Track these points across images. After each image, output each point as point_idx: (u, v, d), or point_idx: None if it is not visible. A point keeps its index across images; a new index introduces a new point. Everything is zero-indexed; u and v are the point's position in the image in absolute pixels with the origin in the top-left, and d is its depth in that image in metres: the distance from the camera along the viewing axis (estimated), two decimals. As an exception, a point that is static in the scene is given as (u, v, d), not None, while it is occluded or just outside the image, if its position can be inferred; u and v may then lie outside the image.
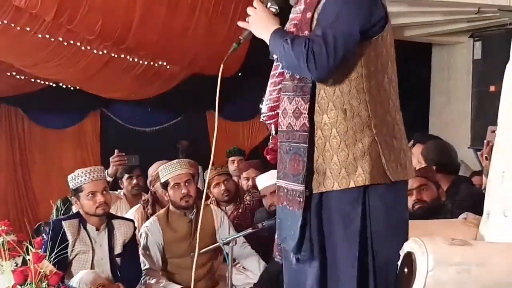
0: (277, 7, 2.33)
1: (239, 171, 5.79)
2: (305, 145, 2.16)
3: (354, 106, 2.17)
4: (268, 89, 2.35)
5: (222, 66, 2.35)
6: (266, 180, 4.43)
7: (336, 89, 2.17)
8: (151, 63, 7.46)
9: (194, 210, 4.18)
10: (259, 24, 2.28)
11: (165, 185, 4.17)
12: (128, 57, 7.08)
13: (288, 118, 2.22)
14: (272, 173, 4.44)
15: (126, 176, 5.20)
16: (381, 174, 2.20)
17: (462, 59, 7.32)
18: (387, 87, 2.24)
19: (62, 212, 4.06)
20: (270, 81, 2.35)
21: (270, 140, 2.39)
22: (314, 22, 2.17)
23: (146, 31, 6.43)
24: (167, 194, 4.18)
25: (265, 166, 4.83)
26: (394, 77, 2.29)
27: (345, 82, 2.16)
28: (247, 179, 5.39)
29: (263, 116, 2.36)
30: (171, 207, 4.20)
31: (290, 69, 2.20)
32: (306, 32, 2.18)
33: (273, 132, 2.34)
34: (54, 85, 8.19)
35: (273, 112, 2.31)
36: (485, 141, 3.71)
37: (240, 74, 8.20)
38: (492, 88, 5.54)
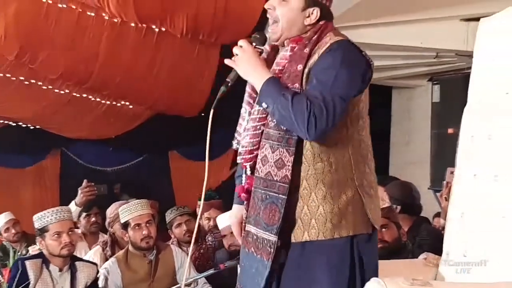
0: (262, 48, 2.29)
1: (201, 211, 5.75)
2: (283, 196, 2.15)
3: (339, 159, 2.20)
4: (248, 132, 2.28)
5: (212, 110, 2.29)
6: (227, 220, 4.41)
7: (322, 143, 2.18)
8: (114, 102, 7.44)
9: (154, 251, 4.13)
10: (248, 65, 2.21)
11: (125, 225, 4.12)
12: (90, 96, 7.05)
13: (268, 167, 2.19)
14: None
15: (84, 214, 5.15)
16: (364, 224, 2.24)
17: (421, 102, 7.48)
18: (366, 140, 2.29)
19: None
20: (251, 124, 2.28)
21: (244, 179, 2.32)
22: (305, 75, 2.16)
23: (110, 71, 6.42)
24: (127, 235, 4.12)
25: (226, 206, 4.81)
26: (368, 128, 2.34)
27: (332, 136, 2.17)
28: (209, 219, 5.36)
29: (241, 158, 2.31)
30: (130, 248, 4.14)
31: (283, 124, 2.15)
32: (297, 85, 2.15)
33: (249, 172, 2.29)
34: (14, 124, 8.09)
35: (251, 155, 2.27)
36: (444, 182, 3.78)
37: (203, 114, 8.22)
38: (450, 131, 5.67)
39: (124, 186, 9.15)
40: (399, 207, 3.99)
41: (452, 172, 3.18)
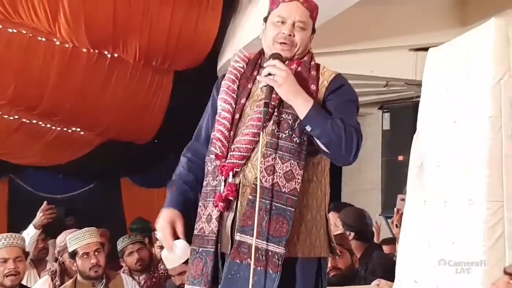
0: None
1: (153, 239, 5.67)
2: (292, 209, 2.16)
3: (322, 183, 2.29)
4: (245, 137, 2.23)
5: (261, 133, 2.18)
6: (172, 260, 4.28)
7: (319, 164, 2.26)
8: (65, 128, 7.32)
9: (104, 280, 4.04)
10: (293, 88, 2.19)
11: (73, 254, 4.02)
12: (40, 122, 6.93)
13: (276, 177, 2.17)
14: (182, 251, 4.30)
15: None
16: (328, 248, 2.30)
17: (372, 129, 7.60)
18: (328, 168, 2.37)
19: None
20: (249, 130, 2.23)
21: (223, 187, 2.24)
22: (319, 95, 2.24)
23: (60, 96, 6.34)
24: (75, 264, 4.03)
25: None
26: None
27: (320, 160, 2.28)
28: (161, 247, 5.28)
29: (231, 162, 2.23)
30: (79, 277, 4.04)
31: (329, 147, 2.17)
32: None
33: (231, 179, 2.22)
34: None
35: (243, 160, 2.22)
36: (395, 209, 3.82)
37: (156, 140, 8.17)
38: (400, 158, 5.75)
39: (74, 214, 8.97)
40: (352, 234, 4.01)
41: (402, 199, 3.22)
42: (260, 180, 2.15)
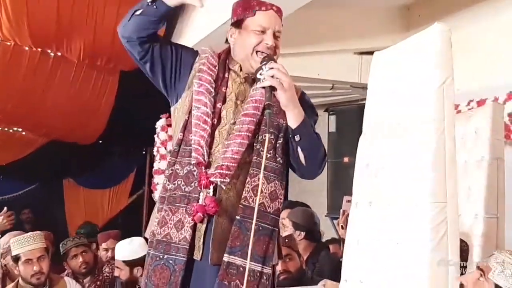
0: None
1: (99, 241, 5.58)
2: (276, 229, 2.20)
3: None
4: (233, 147, 2.20)
5: (267, 136, 2.14)
6: (128, 254, 4.23)
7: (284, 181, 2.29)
8: (6, 129, 7.14)
9: (47, 285, 3.95)
10: (295, 96, 2.24)
11: (16, 259, 3.92)
12: (-20, 122, 6.74)
13: (262, 197, 2.17)
14: (134, 246, 4.25)
15: None
16: (278, 253, 2.34)
17: (318, 131, 7.67)
18: None
19: None
20: (238, 140, 2.21)
21: (202, 199, 2.19)
22: None
23: (2, 96, 6.18)
24: (17, 268, 3.93)
25: (124, 236, 4.70)
26: None
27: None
28: (106, 250, 5.20)
29: (216, 174, 2.18)
30: (20, 281, 3.95)
31: (308, 159, 2.25)
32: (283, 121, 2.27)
33: (211, 192, 2.19)
34: None
35: (230, 172, 2.18)
36: (341, 211, 3.87)
37: (101, 141, 8.05)
38: (346, 159, 5.82)
39: (15, 216, 8.74)
40: (302, 233, 4.03)
41: (348, 201, 3.27)
42: (247, 200, 2.16)
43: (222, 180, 2.18)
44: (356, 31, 5.71)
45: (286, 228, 4.05)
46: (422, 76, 2.36)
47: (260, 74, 2.18)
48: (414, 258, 2.22)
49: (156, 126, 6.01)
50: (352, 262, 2.61)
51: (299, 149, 2.23)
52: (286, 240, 3.64)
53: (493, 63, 4.67)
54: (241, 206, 2.16)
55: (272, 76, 2.16)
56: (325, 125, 7.28)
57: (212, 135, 2.25)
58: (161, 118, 5.99)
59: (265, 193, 2.19)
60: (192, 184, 2.22)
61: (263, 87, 2.18)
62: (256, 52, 2.28)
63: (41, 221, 8.33)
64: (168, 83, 2.36)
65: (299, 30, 5.51)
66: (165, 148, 5.91)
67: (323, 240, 4.85)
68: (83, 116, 7.15)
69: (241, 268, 2.13)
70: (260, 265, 2.16)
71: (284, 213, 4.20)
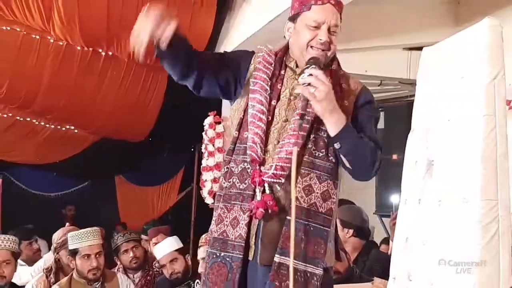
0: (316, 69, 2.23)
1: (149, 237, 5.68)
2: (328, 229, 2.18)
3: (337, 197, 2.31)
4: (285, 148, 2.21)
5: (295, 149, 2.13)
6: (163, 249, 4.37)
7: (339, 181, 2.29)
8: (58, 127, 7.31)
9: (100, 280, 4.04)
10: (331, 105, 2.14)
11: (73, 253, 4.02)
12: (34, 120, 6.92)
13: (314, 197, 2.18)
14: (168, 241, 4.41)
15: (25, 242, 5.05)
16: (335, 254, 2.35)
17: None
18: None
19: None
20: (291, 140, 2.20)
21: (260, 196, 2.19)
22: (355, 113, 2.28)
23: (54, 94, 6.33)
24: (73, 262, 4.02)
25: (174, 232, 4.77)
26: None
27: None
28: (156, 245, 5.28)
29: (271, 173, 2.19)
30: (74, 275, 4.04)
31: (353, 165, 2.22)
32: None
33: (268, 191, 2.19)
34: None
35: (283, 173, 2.19)
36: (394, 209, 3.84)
37: (150, 139, 8.17)
38: (394, 157, 5.76)
39: (70, 211, 8.96)
40: (351, 231, 4.01)
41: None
42: (298, 200, 2.14)
43: (276, 180, 2.19)
44: (404, 27, 5.64)
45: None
46: (472, 71, 2.32)
47: (302, 77, 2.15)
48: (465, 257, 2.19)
49: (204, 124, 6.06)
50: (401, 260, 2.59)
51: (341, 156, 2.21)
52: None
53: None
54: (295, 206, 2.14)
55: (310, 84, 2.12)
56: (374, 121, 7.22)
57: (267, 133, 2.24)
58: (209, 115, 6.04)
59: (317, 193, 2.17)
60: (246, 182, 2.22)
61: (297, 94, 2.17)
62: (311, 47, 2.25)
63: (93, 217, 8.52)
64: (233, 96, 2.39)
65: (346, 26, 5.46)
66: (213, 145, 5.96)
67: (373, 237, 4.83)
68: (133, 114, 7.26)
69: (293, 269, 2.12)
70: (311, 266, 2.14)
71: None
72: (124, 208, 9.25)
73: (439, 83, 2.57)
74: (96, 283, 4.04)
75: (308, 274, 2.13)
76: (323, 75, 2.14)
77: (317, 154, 2.20)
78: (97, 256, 3.98)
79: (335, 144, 2.18)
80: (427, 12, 5.58)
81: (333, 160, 2.22)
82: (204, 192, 5.98)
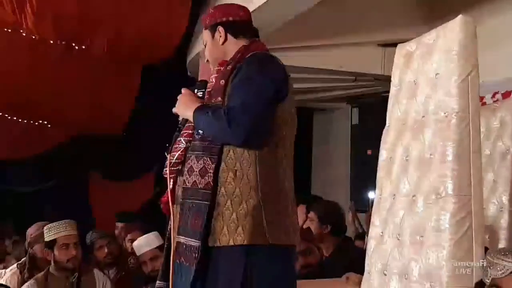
0: (203, 90, 2.44)
1: (124, 233, 5.64)
2: (206, 202, 2.22)
3: (249, 169, 2.24)
4: (175, 148, 2.40)
5: (168, 156, 2.45)
6: (143, 246, 4.35)
7: (243, 152, 2.24)
8: (31, 122, 7.22)
9: (76, 273, 4.01)
10: (183, 106, 2.39)
11: (50, 245, 3.98)
12: (6, 115, 6.83)
13: (194, 176, 2.27)
14: (149, 238, 4.39)
15: None
16: (261, 236, 2.23)
17: (341, 124, 7.65)
18: (280, 156, 2.32)
19: None
20: (178, 143, 2.40)
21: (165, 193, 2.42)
22: (228, 88, 2.28)
23: (28, 89, 6.25)
24: (50, 254, 3.98)
25: (149, 228, 4.74)
26: (290, 147, 2.38)
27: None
28: (131, 241, 5.24)
29: (167, 170, 2.38)
30: (51, 269, 3.99)
31: (216, 139, 2.26)
32: (219, 98, 2.29)
33: (170, 186, 2.37)
34: None
35: (176, 168, 2.36)
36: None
37: (124, 134, 8.12)
38: (369, 152, 5.81)
39: (42, 207, 8.85)
40: (329, 227, 4.01)
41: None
42: (184, 182, 2.31)
43: (170, 170, 2.38)
44: (379, 23, 5.68)
45: (312, 222, 4.04)
46: (446, 68, 2.35)
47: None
48: (437, 251, 2.22)
49: (179, 119, 6.04)
50: (375, 254, 2.61)
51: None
52: (303, 232, 3.64)
53: (519, 55, 4.63)
54: (183, 188, 2.32)
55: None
56: (348, 117, 7.27)
57: None
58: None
59: (196, 171, 2.27)
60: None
61: None
62: None
63: (67, 213, 8.42)
64: None
65: (321, 23, 5.50)
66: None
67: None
68: (107, 109, 7.20)
69: (184, 246, 2.27)
70: (190, 239, 2.24)
71: (303, 207, 4.21)
72: (97, 204, 9.18)
73: (414, 79, 2.59)
74: (73, 276, 4.00)
75: (192, 248, 2.23)
76: (184, 89, 2.42)
77: (196, 138, 2.34)
78: (75, 245, 3.95)
79: (199, 132, 2.33)
80: (402, 9, 5.63)
81: (208, 139, 2.30)
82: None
